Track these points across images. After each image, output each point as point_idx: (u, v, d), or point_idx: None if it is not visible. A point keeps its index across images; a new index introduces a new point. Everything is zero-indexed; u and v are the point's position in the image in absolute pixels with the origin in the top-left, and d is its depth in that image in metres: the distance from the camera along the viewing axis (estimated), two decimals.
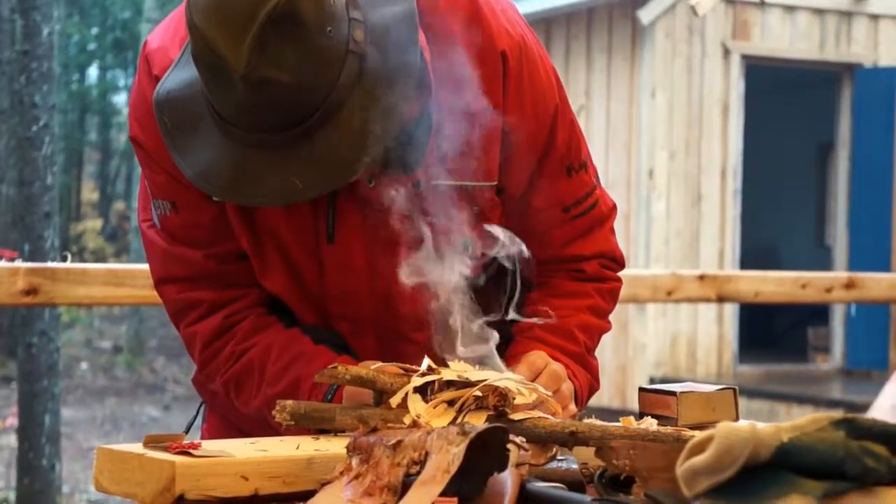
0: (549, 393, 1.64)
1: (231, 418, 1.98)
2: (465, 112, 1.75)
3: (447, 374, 1.59)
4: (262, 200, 1.67)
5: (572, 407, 1.80)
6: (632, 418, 1.59)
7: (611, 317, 2.01)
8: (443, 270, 1.77)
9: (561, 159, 1.87)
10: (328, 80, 1.59)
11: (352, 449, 1.43)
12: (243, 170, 1.62)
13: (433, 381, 1.59)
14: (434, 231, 1.78)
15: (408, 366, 1.62)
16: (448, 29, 1.75)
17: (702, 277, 5.15)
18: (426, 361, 1.61)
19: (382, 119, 1.61)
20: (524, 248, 1.88)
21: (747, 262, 10.78)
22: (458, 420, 1.53)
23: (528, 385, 1.59)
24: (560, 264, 1.93)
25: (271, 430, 1.69)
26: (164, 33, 1.82)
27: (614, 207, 1.99)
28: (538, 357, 1.78)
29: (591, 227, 1.93)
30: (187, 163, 1.66)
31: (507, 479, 1.36)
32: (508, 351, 1.84)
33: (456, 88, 1.74)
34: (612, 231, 2.00)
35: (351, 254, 1.79)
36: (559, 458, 1.50)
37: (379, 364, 1.63)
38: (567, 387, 1.79)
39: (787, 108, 13.16)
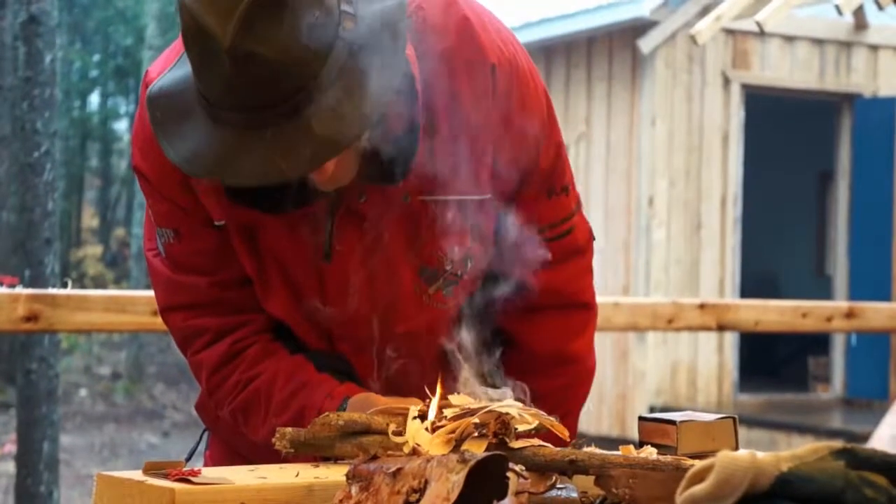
0: (554, 418, 1.64)
1: (234, 445, 1.98)
2: (456, 125, 1.76)
3: (449, 411, 1.59)
4: (244, 180, 1.64)
5: None
6: (631, 447, 1.59)
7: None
8: (443, 287, 1.78)
9: (543, 179, 1.87)
10: (314, 62, 1.59)
11: (351, 476, 1.43)
12: (228, 151, 1.62)
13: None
14: (431, 247, 1.78)
15: (403, 406, 1.63)
16: (439, 42, 1.76)
17: (702, 306, 5.15)
18: (435, 401, 1.61)
19: (366, 105, 1.60)
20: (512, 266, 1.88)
21: (747, 290, 10.78)
22: (459, 448, 1.53)
23: (531, 411, 1.59)
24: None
25: (280, 458, 1.69)
26: (165, 62, 1.83)
27: (591, 239, 1.98)
28: None
29: (565, 257, 1.93)
30: (175, 149, 1.65)
31: None
32: None
33: (446, 101, 1.75)
34: (590, 270, 1.99)
35: (349, 272, 1.80)
36: (559, 486, 1.50)
37: (374, 408, 1.64)
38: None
39: (787, 137, 13.19)
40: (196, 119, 1.65)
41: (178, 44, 1.82)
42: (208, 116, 1.63)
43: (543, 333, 1.94)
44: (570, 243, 1.93)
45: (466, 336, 1.79)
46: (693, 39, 8.31)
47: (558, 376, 1.96)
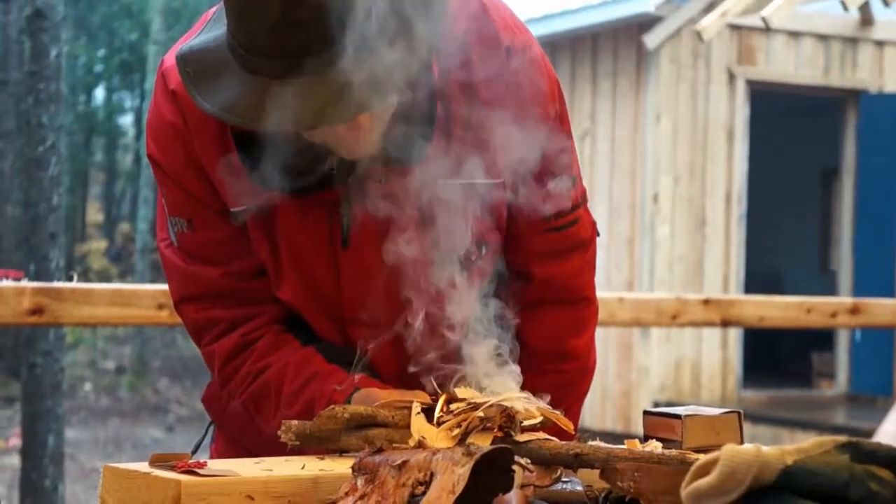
0: (559, 412, 1.65)
1: (241, 440, 1.99)
2: (471, 107, 1.76)
3: (455, 406, 1.59)
4: (292, 126, 1.63)
5: None
6: (636, 441, 1.59)
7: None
8: (459, 273, 1.79)
9: (552, 166, 1.87)
10: (359, 13, 1.59)
11: (357, 469, 1.43)
12: (269, 99, 1.61)
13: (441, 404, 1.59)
14: (449, 232, 1.79)
15: (407, 399, 1.63)
16: (454, 25, 1.76)
17: (706, 302, 5.15)
18: (440, 401, 1.62)
19: (409, 56, 1.61)
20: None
21: (751, 286, 10.76)
22: (464, 441, 1.53)
23: (536, 405, 1.60)
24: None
25: (287, 453, 1.69)
26: (183, 42, 1.83)
27: (594, 234, 1.98)
28: None
29: (569, 250, 1.93)
30: (209, 101, 1.64)
31: (513, 501, 1.36)
32: None
33: (461, 83, 1.76)
34: (592, 266, 1.99)
35: (366, 257, 1.81)
36: (564, 479, 1.50)
37: (380, 402, 1.65)
38: None
39: (792, 133, 13.17)
40: (229, 74, 1.64)
41: (195, 26, 1.83)
42: (244, 68, 1.62)
43: (544, 329, 1.94)
44: (573, 235, 1.93)
45: (481, 321, 1.80)
46: (698, 35, 8.31)
47: (558, 373, 1.95)
